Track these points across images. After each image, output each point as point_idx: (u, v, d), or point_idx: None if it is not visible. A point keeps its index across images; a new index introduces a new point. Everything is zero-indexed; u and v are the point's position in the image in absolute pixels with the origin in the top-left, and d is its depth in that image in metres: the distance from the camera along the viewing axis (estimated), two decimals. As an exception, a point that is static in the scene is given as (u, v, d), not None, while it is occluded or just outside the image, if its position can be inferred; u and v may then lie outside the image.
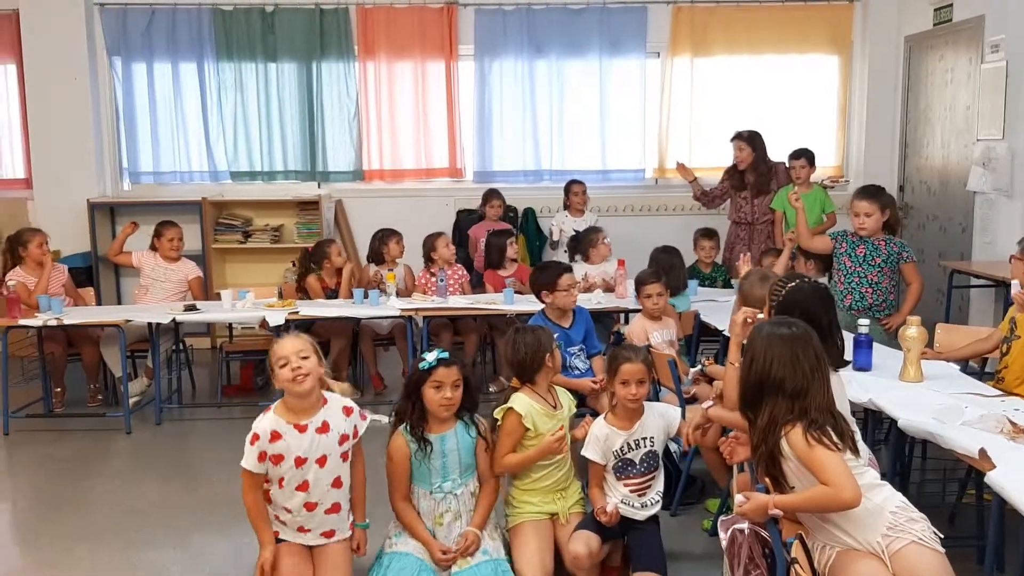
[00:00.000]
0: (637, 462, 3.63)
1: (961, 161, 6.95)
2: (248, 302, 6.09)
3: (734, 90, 8.07)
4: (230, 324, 6.91)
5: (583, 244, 6.80)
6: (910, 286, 5.19)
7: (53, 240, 6.53)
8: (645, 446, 3.65)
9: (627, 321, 6.08)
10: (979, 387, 3.82)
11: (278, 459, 3.28)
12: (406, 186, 8.19)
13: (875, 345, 4.18)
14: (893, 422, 3.56)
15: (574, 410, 3.85)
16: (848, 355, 3.66)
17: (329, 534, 3.43)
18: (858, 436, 2.95)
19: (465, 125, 8.11)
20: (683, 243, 6.37)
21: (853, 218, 5.20)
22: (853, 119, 8.26)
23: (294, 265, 6.95)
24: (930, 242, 7.39)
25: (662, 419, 3.72)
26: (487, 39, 7.95)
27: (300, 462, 3.30)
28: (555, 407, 3.73)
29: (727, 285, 6.57)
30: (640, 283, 5.08)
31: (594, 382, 4.61)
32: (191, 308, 6.08)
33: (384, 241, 6.68)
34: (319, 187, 8.07)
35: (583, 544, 3.47)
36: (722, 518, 3.00)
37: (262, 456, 3.27)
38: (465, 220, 7.80)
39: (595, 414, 3.87)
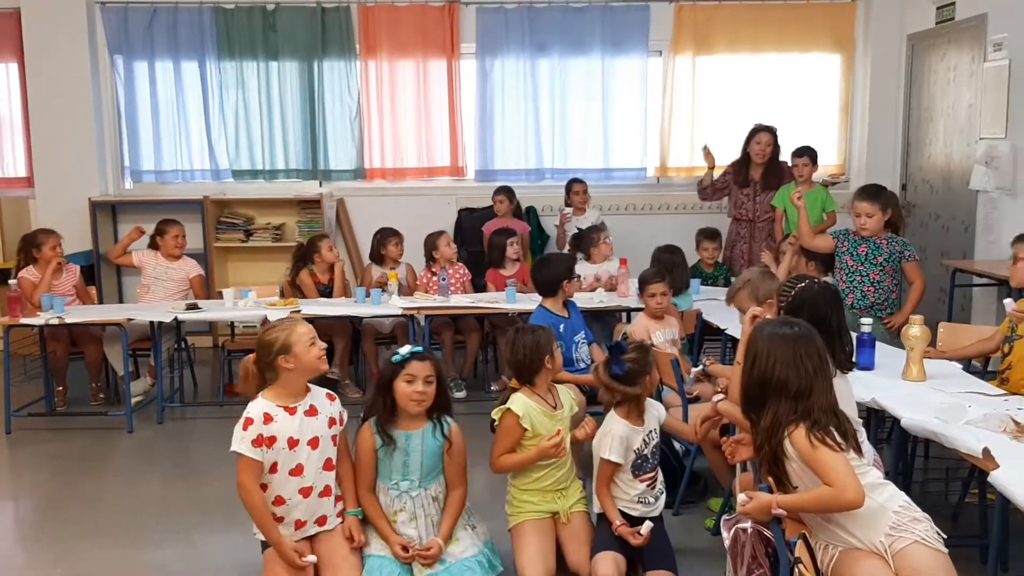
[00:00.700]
0: (649, 456, 3.63)
1: (964, 160, 6.94)
2: (250, 301, 6.09)
3: (736, 89, 8.06)
4: (232, 323, 6.91)
5: (584, 243, 6.79)
6: (912, 285, 5.18)
7: (55, 239, 6.53)
8: (653, 439, 3.66)
9: (629, 320, 6.08)
10: (982, 386, 3.81)
11: (272, 441, 3.32)
12: (408, 184, 8.18)
13: (877, 344, 4.18)
14: (895, 421, 3.56)
15: (575, 410, 3.84)
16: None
17: (322, 521, 3.48)
18: (863, 436, 2.95)
19: (467, 123, 8.10)
20: (685, 242, 6.35)
21: (854, 219, 5.20)
22: (855, 118, 8.25)
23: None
24: (932, 241, 7.38)
25: (654, 410, 3.73)
26: (489, 37, 7.94)
27: (293, 443, 3.36)
28: (555, 408, 3.72)
29: (728, 284, 6.56)
30: (644, 282, 5.08)
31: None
32: (193, 307, 6.08)
33: (383, 242, 6.68)
34: (320, 186, 8.07)
35: (614, 567, 3.39)
36: (725, 517, 2.99)
37: (258, 440, 3.30)
38: (467, 219, 7.80)
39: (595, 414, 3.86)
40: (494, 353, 7.00)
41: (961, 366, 4.26)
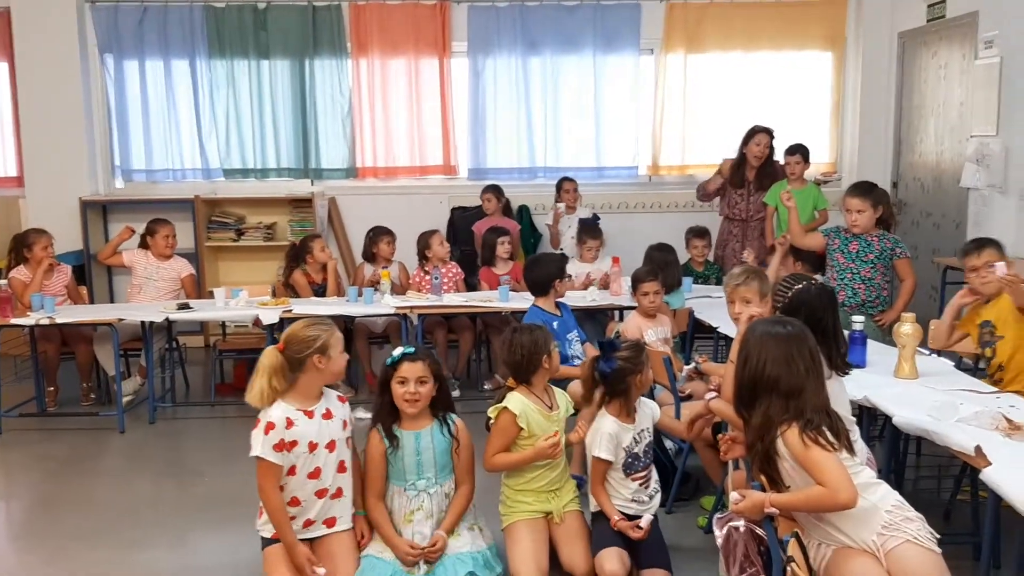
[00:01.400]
0: (641, 455, 3.63)
1: (955, 157, 6.96)
2: (241, 300, 6.07)
3: (728, 86, 8.07)
4: (223, 322, 6.89)
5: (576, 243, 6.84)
6: (904, 282, 5.19)
7: (45, 238, 6.50)
8: (645, 438, 3.66)
9: (622, 318, 6.08)
10: (974, 384, 3.82)
11: (292, 445, 3.33)
12: (400, 183, 8.17)
13: (868, 342, 4.19)
14: (887, 419, 3.57)
15: (571, 411, 3.84)
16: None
17: (331, 522, 3.48)
18: (855, 434, 2.95)
19: (459, 122, 8.09)
20: (676, 240, 6.36)
21: (846, 215, 5.20)
22: (846, 115, 8.27)
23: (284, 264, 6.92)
24: (924, 238, 7.40)
25: (648, 408, 3.74)
26: (480, 36, 7.93)
27: (313, 447, 3.37)
28: (551, 408, 3.72)
29: (720, 282, 6.56)
30: (636, 281, 5.08)
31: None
32: (184, 307, 6.06)
33: (375, 240, 6.67)
34: (312, 184, 8.05)
35: (619, 562, 3.41)
36: (717, 515, 2.99)
37: (280, 445, 3.30)
38: (460, 217, 7.79)
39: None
40: (487, 352, 6.99)
41: (953, 363, 4.27)
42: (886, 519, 2.68)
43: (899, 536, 2.64)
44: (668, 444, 4.63)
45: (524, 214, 7.94)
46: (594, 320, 6.20)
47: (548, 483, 3.69)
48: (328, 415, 3.44)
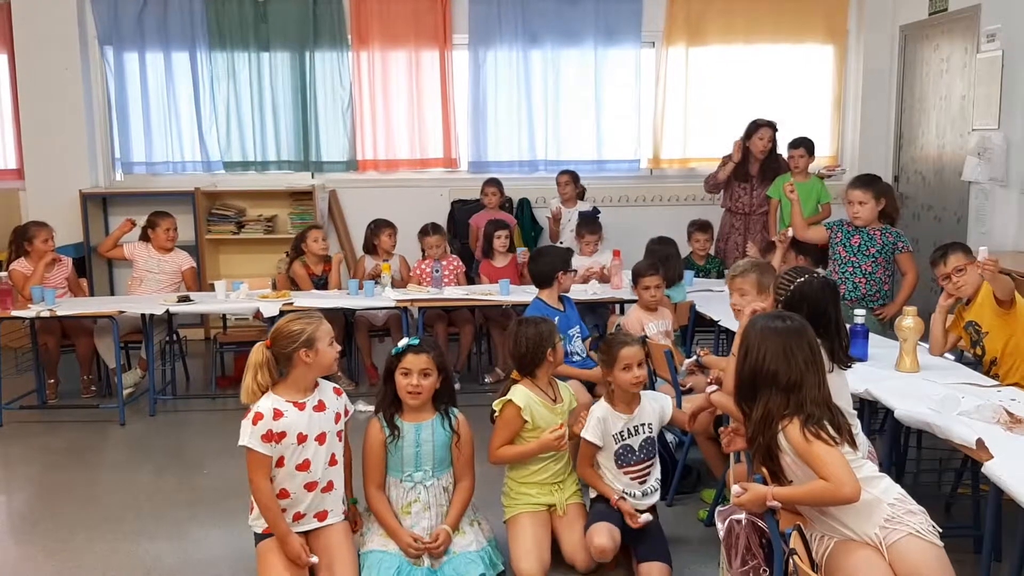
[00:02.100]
0: (636, 448, 3.64)
1: (956, 151, 6.94)
2: (242, 293, 6.07)
3: (729, 79, 8.05)
4: (224, 315, 6.89)
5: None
6: (905, 276, 5.18)
7: (46, 231, 6.50)
8: (643, 432, 3.66)
9: (622, 312, 6.07)
10: (976, 377, 3.82)
11: (280, 436, 3.32)
12: (400, 176, 8.16)
13: (870, 335, 4.19)
14: (888, 412, 3.57)
15: (575, 404, 3.84)
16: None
17: (322, 516, 3.47)
18: (857, 428, 2.95)
19: (459, 115, 8.08)
20: (677, 233, 6.36)
21: (848, 206, 5.20)
22: (848, 109, 8.25)
23: (287, 256, 6.92)
24: (925, 232, 7.38)
25: (657, 404, 3.74)
26: (481, 28, 7.91)
27: (302, 439, 3.35)
28: (555, 401, 3.72)
29: (721, 276, 6.57)
30: (638, 275, 5.08)
31: None
32: (185, 299, 6.06)
33: (376, 233, 6.67)
34: (313, 177, 8.04)
35: (608, 537, 3.47)
36: (719, 508, 2.99)
37: (268, 436, 3.29)
38: (460, 210, 7.78)
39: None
40: (488, 345, 6.99)
41: (954, 357, 4.27)
42: (888, 512, 2.68)
43: (902, 529, 2.64)
44: (669, 437, 4.63)
45: (525, 207, 7.93)
46: (595, 313, 6.20)
47: (552, 476, 3.70)
48: (320, 407, 3.42)
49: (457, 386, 6.23)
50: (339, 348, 3.49)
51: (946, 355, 4.21)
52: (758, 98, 7.86)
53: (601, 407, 3.66)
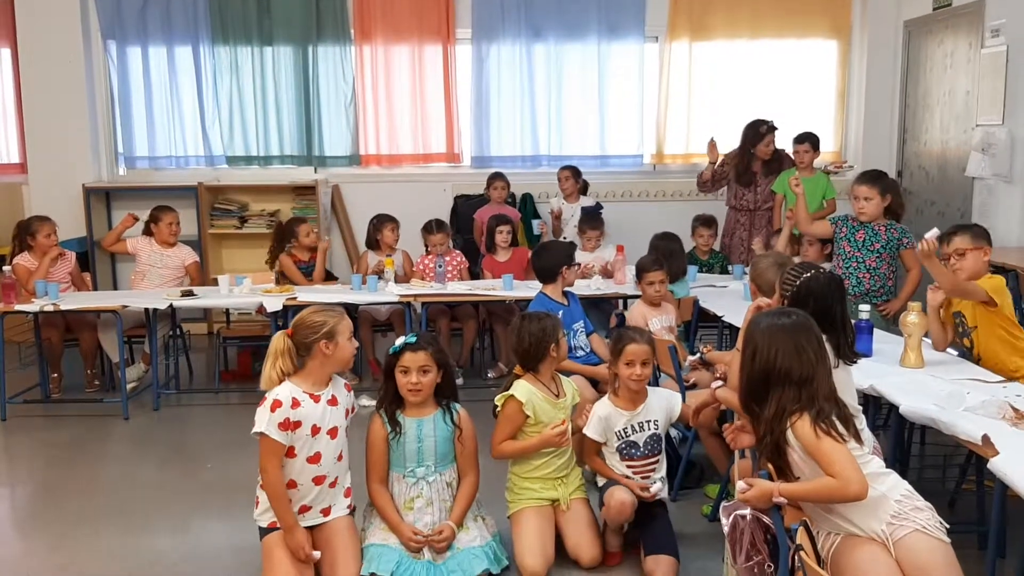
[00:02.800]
0: (641, 444, 3.64)
1: (960, 146, 6.93)
2: (245, 288, 6.07)
3: (733, 75, 8.03)
4: (227, 310, 6.89)
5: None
6: (909, 272, 5.17)
7: (49, 225, 6.49)
8: (648, 429, 3.66)
9: (626, 307, 6.07)
10: (980, 373, 3.81)
11: (296, 425, 3.33)
12: (403, 171, 8.15)
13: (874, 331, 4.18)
14: (892, 408, 3.56)
15: (578, 399, 3.84)
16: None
17: (327, 511, 3.49)
18: (862, 423, 2.94)
19: (463, 110, 8.07)
20: (681, 229, 6.34)
21: (853, 202, 5.19)
22: (852, 104, 8.23)
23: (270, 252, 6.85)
24: (928, 228, 7.33)
25: (665, 402, 3.75)
26: (484, 22, 7.89)
27: (315, 431, 3.37)
28: (557, 396, 3.72)
29: (725, 271, 6.56)
30: (642, 270, 5.07)
31: None
32: (188, 294, 6.06)
33: (379, 228, 6.66)
34: (316, 172, 8.03)
35: (627, 493, 3.53)
36: (724, 504, 2.99)
37: (285, 424, 3.30)
38: (464, 205, 7.77)
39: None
40: (491, 340, 6.99)
41: (958, 352, 4.26)
42: (895, 508, 2.67)
43: (908, 525, 2.64)
44: (673, 433, 4.62)
45: (528, 202, 7.92)
46: (598, 309, 6.19)
47: (555, 470, 3.70)
48: (333, 402, 3.45)
49: (460, 381, 6.29)
50: (357, 344, 3.50)
51: (949, 350, 4.20)
52: (762, 94, 7.85)
53: (604, 405, 3.66)
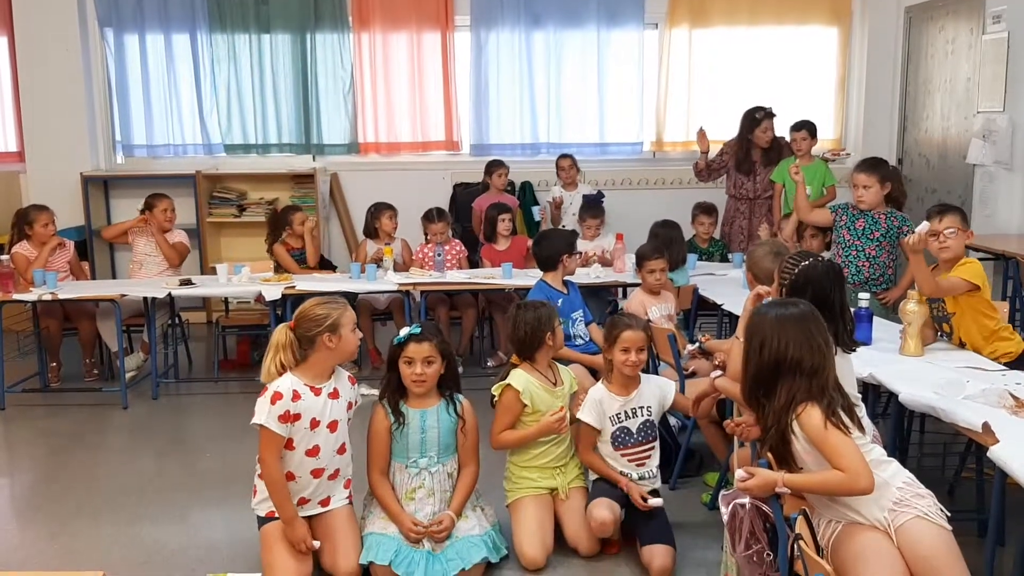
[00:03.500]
0: (634, 431, 3.64)
1: (961, 133, 6.91)
2: (244, 276, 6.06)
3: (732, 62, 7.99)
4: (226, 299, 6.88)
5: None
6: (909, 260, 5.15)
7: (47, 214, 6.47)
8: (642, 415, 3.66)
9: (625, 295, 6.07)
10: (980, 361, 3.80)
11: (296, 418, 3.32)
12: (402, 159, 8.13)
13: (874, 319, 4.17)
14: (892, 396, 3.56)
15: (575, 387, 3.84)
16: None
17: (325, 502, 3.49)
18: (862, 412, 2.93)
19: (461, 97, 8.03)
20: (680, 216, 6.32)
21: (853, 190, 5.17)
22: (852, 91, 8.20)
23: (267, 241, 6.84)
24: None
25: (658, 390, 3.74)
26: (483, 9, 7.85)
27: (314, 424, 3.36)
28: (555, 384, 3.72)
29: (724, 259, 6.55)
30: (642, 258, 5.06)
31: None
32: (187, 282, 6.05)
33: (377, 216, 6.64)
34: (314, 160, 8.00)
35: (608, 510, 3.52)
36: (723, 492, 2.99)
37: (285, 416, 3.29)
38: (463, 193, 7.75)
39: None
40: (490, 329, 6.98)
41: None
42: (897, 496, 2.67)
43: (909, 512, 2.64)
44: (672, 421, 4.62)
45: (527, 191, 7.90)
46: (597, 297, 6.18)
47: (553, 459, 3.70)
48: (335, 395, 3.43)
49: (460, 370, 6.29)
50: (361, 335, 3.49)
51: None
52: (761, 80, 7.82)
53: (598, 389, 3.68)
